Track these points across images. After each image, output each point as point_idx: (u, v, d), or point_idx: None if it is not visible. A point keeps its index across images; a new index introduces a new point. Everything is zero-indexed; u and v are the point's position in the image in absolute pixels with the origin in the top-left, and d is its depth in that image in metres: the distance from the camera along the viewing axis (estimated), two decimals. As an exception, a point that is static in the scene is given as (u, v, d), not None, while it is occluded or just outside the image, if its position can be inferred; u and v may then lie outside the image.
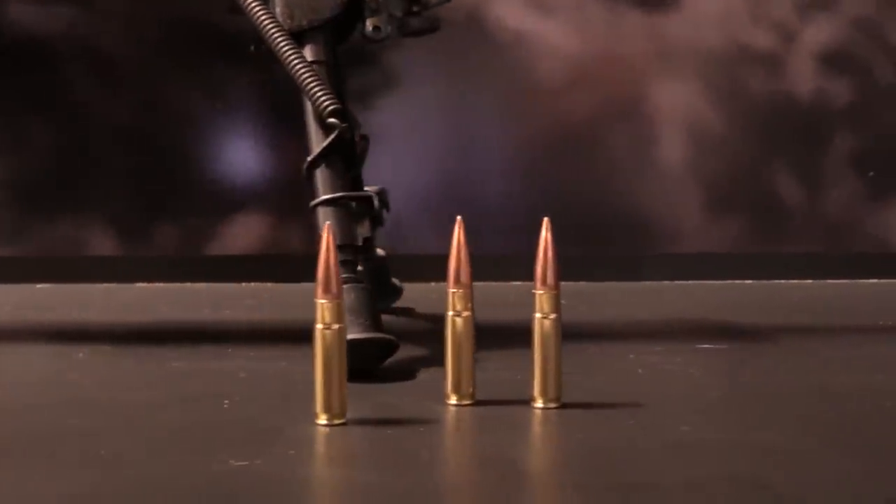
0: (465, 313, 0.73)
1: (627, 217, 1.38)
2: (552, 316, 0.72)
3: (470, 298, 0.73)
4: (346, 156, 0.87)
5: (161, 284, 1.34)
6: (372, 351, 0.81)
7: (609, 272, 1.36)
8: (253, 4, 0.88)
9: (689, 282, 1.36)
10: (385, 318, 0.87)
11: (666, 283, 1.35)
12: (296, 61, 0.86)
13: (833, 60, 1.39)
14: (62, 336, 1.01)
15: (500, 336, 0.87)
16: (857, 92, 1.39)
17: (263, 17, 0.87)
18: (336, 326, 0.68)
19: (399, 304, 1.12)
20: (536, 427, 0.69)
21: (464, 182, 1.37)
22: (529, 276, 0.72)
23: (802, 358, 0.91)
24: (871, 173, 1.39)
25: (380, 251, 1.12)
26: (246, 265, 1.36)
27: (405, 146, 1.36)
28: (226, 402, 0.74)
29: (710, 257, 1.38)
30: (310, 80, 0.86)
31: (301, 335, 1.03)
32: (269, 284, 1.34)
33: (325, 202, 0.86)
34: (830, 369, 0.86)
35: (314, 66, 0.87)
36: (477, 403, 0.73)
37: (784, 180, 1.39)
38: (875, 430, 0.68)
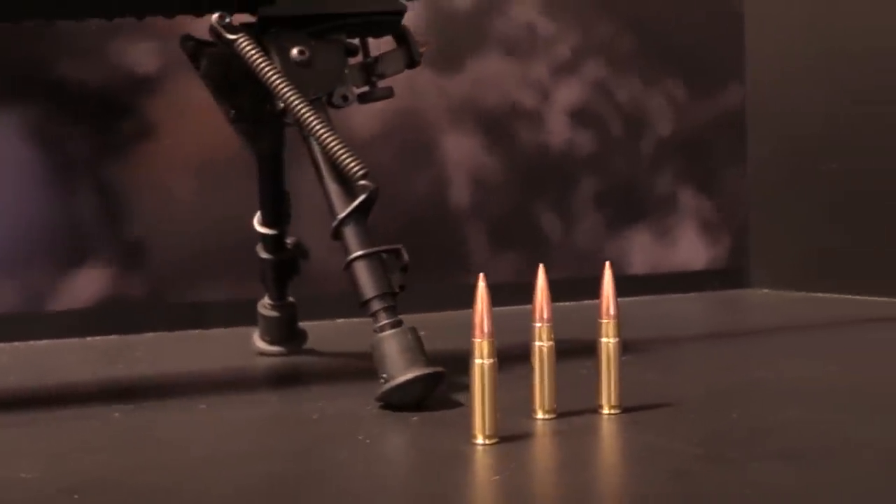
0: (549, 343, 0.88)
1: (425, 252, 1.56)
2: (615, 340, 0.90)
3: (552, 331, 0.89)
4: (368, 213, 0.97)
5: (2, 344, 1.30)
6: (434, 383, 0.92)
7: (416, 304, 1.51)
8: (271, 74, 0.95)
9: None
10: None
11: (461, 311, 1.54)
12: (319, 127, 0.95)
13: (579, 116, 1.66)
14: (42, 401, 1.00)
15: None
16: (597, 142, 1.67)
17: (282, 85, 0.95)
18: (490, 361, 0.81)
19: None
20: (640, 428, 0.86)
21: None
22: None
23: (714, 359, 1.15)
24: (609, 209, 1.69)
25: (290, 298, 1.21)
26: (83, 319, 1.36)
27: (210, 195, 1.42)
28: (360, 437, 0.83)
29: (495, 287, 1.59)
30: (336, 145, 0.95)
31: (277, 377, 1.11)
32: (113, 337, 1.35)
33: (361, 257, 0.95)
34: (751, 364, 1.11)
35: (336, 132, 0.97)
36: (559, 416, 0.89)
37: (546, 217, 1.64)
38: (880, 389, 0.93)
